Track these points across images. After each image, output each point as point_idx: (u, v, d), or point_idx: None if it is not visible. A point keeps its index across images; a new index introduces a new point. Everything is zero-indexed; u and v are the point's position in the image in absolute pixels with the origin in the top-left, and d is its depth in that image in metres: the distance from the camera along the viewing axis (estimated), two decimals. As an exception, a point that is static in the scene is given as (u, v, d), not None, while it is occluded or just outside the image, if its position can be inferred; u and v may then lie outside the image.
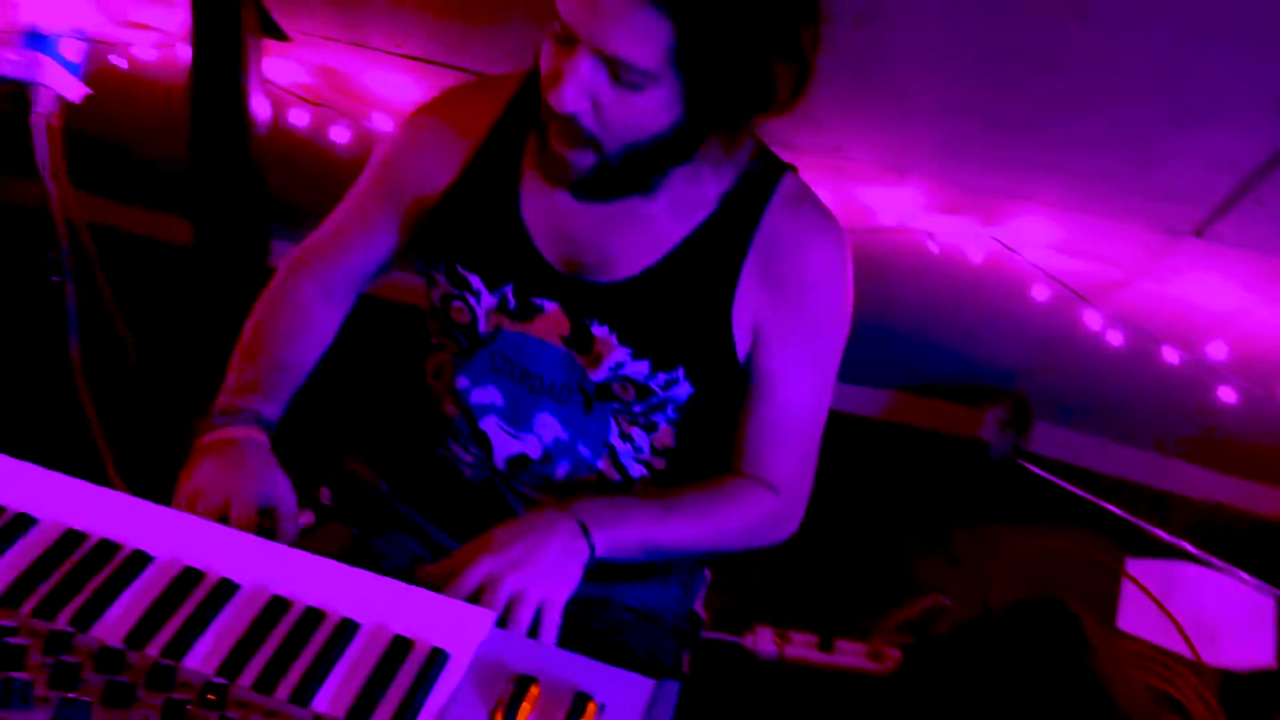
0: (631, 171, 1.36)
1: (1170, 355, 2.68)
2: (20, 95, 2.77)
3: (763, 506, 1.52)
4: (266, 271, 2.05)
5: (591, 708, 1.12)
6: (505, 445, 1.56)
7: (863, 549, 3.26)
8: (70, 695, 0.93)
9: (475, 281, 1.50)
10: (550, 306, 1.48)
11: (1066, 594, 1.86)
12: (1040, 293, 2.55)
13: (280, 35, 2.61)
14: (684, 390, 1.49)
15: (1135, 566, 3.15)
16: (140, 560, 1.19)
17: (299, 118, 2.86)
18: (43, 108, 2.77)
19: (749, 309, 1.45)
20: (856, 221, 2.53)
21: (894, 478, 3.64)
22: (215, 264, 2.91)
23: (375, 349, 1.88)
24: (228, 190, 2.79)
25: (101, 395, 3.03)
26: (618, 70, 1.25)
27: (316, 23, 2.53)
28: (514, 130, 1.50)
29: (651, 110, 1.29)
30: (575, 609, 1.56)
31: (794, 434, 1.52)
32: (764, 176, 1.45)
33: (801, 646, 2.89)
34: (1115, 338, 2.62)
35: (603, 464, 1.56)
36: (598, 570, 1.38)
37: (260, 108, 2.67)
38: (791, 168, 1.49)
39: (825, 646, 2.89)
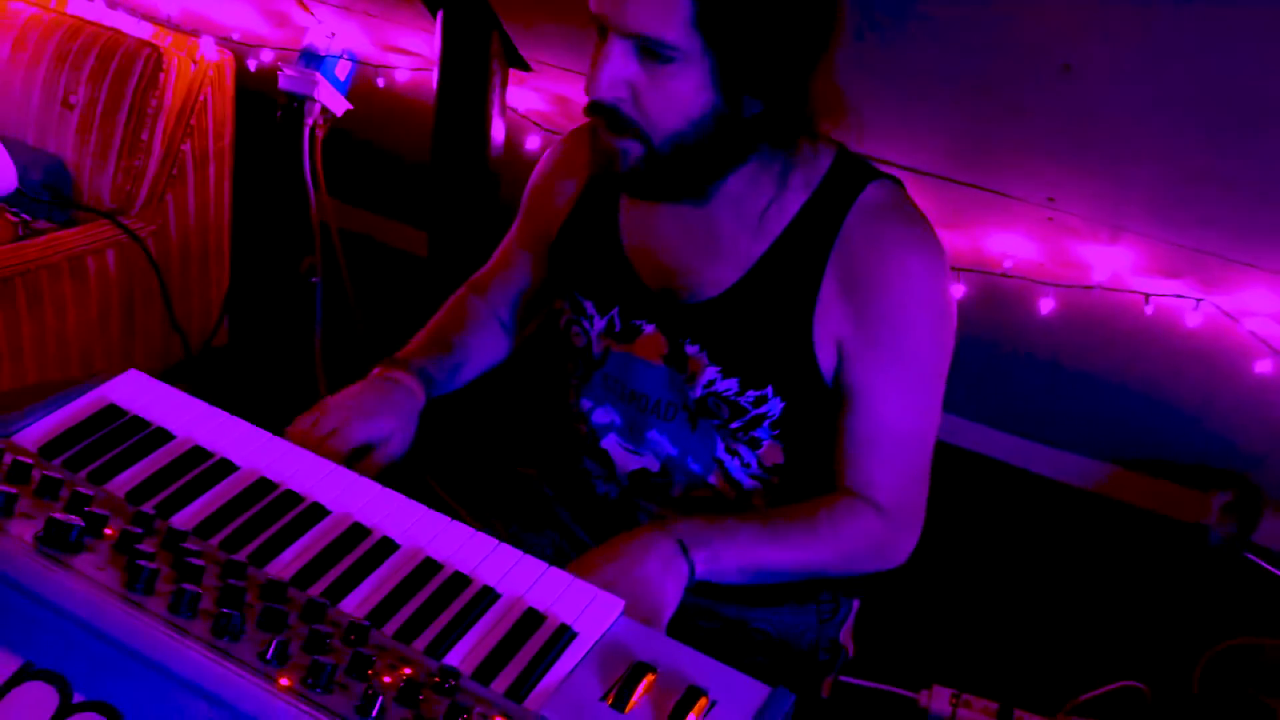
0: (682, 166, 1.37)
1: None
2: (295, 108, 3.09)
3: (868, 528, 1.48)
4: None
5: (703, 702, 1.15)
6: (626, 461, 1.63)
7: (1060, 621, 3.13)
8: (228, 610, 1.05)
9: (590, 307, 1.58)
10: (649, 328, 1.54)
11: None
12: (1263, 367, 2.39)
13: (523, 65, 2.80)
14: (775, 407, 1.49)
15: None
16: (318, 512, 1.32)
17: (533, 141, 3.04)
18: (312, 119, 3.08)
19: (830, 323, 1.43)
20: (1069, 277, 2.46)
21: (1103, 553, 3.48)
22: (447, 275, 3.14)
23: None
24: (462, 207, 3.00)
25: (337, 380, 3.32)
26: (647, 48, 1.27)
27: (554, 54, 2.69)
28: None
29: (687, 91, 1.30)
30: (709, 629, 1.61)
31: (893, 451, 1.48)
32: (844, 186, 1.43)
33: (979, 713, 2.81)
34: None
35: (714, 479, 1.58)
36: (733, 593, 1.41)
37: (498, 130, 2.86)
38: (883, 175, 1.45)
39: (1004, 716, 2.80)
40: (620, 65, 1.30)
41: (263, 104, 3.37)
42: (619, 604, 1.27)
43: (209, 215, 3.49)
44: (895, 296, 1.41)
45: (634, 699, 1.15)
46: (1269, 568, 3.34)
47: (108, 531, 1.16)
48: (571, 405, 1.70)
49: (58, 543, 1.12)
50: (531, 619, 1.23)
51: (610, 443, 1.64)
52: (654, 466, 1.61)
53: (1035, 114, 1.86)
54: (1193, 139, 1.85)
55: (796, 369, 1.46)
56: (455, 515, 1.33)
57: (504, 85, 2.79)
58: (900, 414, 1.46)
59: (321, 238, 3.19)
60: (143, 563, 1.09)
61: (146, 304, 3.34)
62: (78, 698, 1.08)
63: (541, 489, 1.83)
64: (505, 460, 1.97)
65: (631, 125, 1.34)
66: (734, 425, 1.53)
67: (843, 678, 1.76)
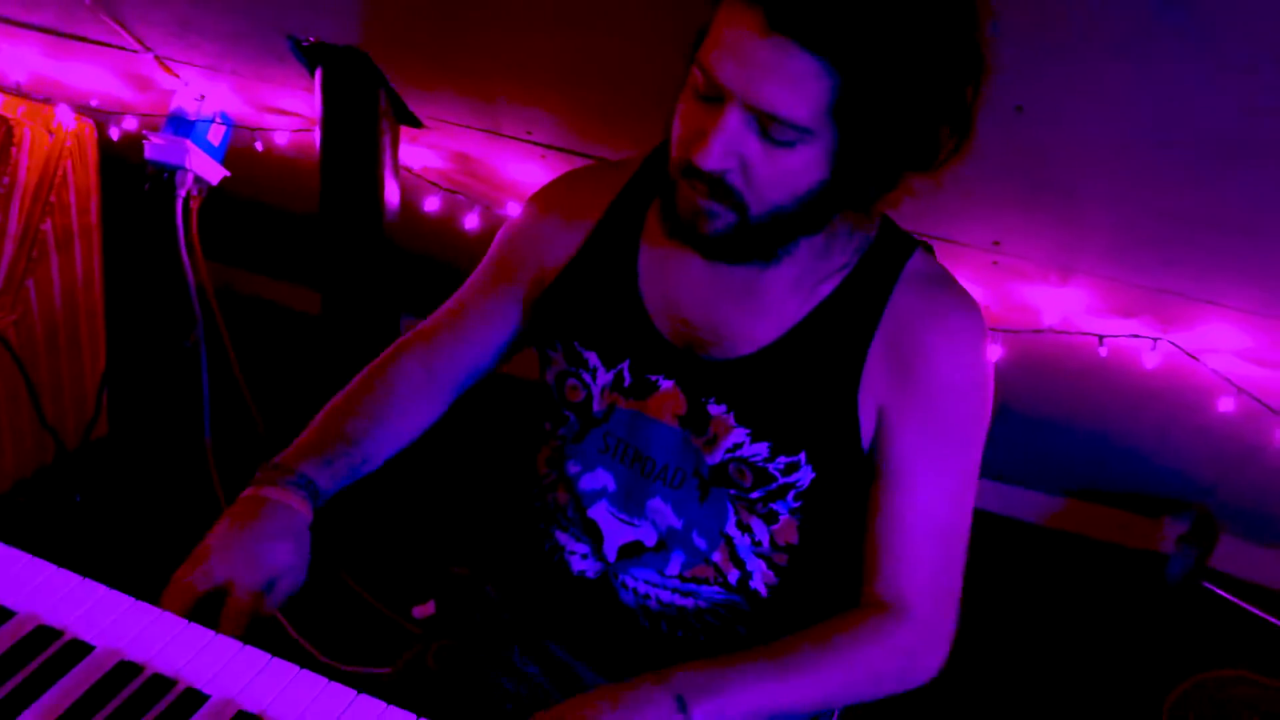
0: (769, 234, 1.26)
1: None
2: (165, 179, 2.81)
3: (895, 642, 1.33)
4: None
5: None
6: (616, 533, 1.45)
7: (1022, 662, 3.02)
8: None
9: (592, 359, 1.42)
10: (666, 384, 1.39)
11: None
12: (1226, 404, 2.28)
13: (415, 122, 2.57)
14: (806, 476, 1.35)
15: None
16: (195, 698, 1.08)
17: (431, 202, 2.81)
18: (185, 189, 2.81)
19: (875, 392, 1.33)
20: (1016, 321, 2.32)
21: (1061, 588, 3.38)
22: (341, 333, 2.88)
23: (485, 440, 1.79)
24: (356, 269, 2.76)
25: (230, 466, 3.05)
26: (769, 127, 1.15)
27: (450, 110, 2.48)
28: (633, 208, 1.44)
29: (799, 168, 1.18)
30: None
31: (928, 540, 1.34)
32: (892, 252, 1.35)
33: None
34: (1315, 457, 2.33)
35: (718, 556, 1.43)
36: None
37: (392, 191, 2.63)
38: (923, 244, 1.38)
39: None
40: (738, 137, 1.17)
41: (130, 171, 3.08)
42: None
43: (78, 297, 3.17)
44: (942, 370, 1.32)
45: None
46: (1229, 597, 3.26)
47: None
48: (546, 471, 1.53)
49: None
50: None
51: (600, 511, 1.46)
52: (650, 540, 1.44)
53: (985, 156, 1.71)
54: (1158, 179, 1.73)
55: (835, 434, 1.34)
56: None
57: (395, 143, 2.56)
58: (937, 496, 1.34)
59: (203, 310, 2.91)
60: None
61: (12, 402, 3.01)
62: None
63: (483, 591, 1.60)
64: (437, 560, 1.73)
65: (733, 192, 1.21)
66: (754, 495, 1.38)
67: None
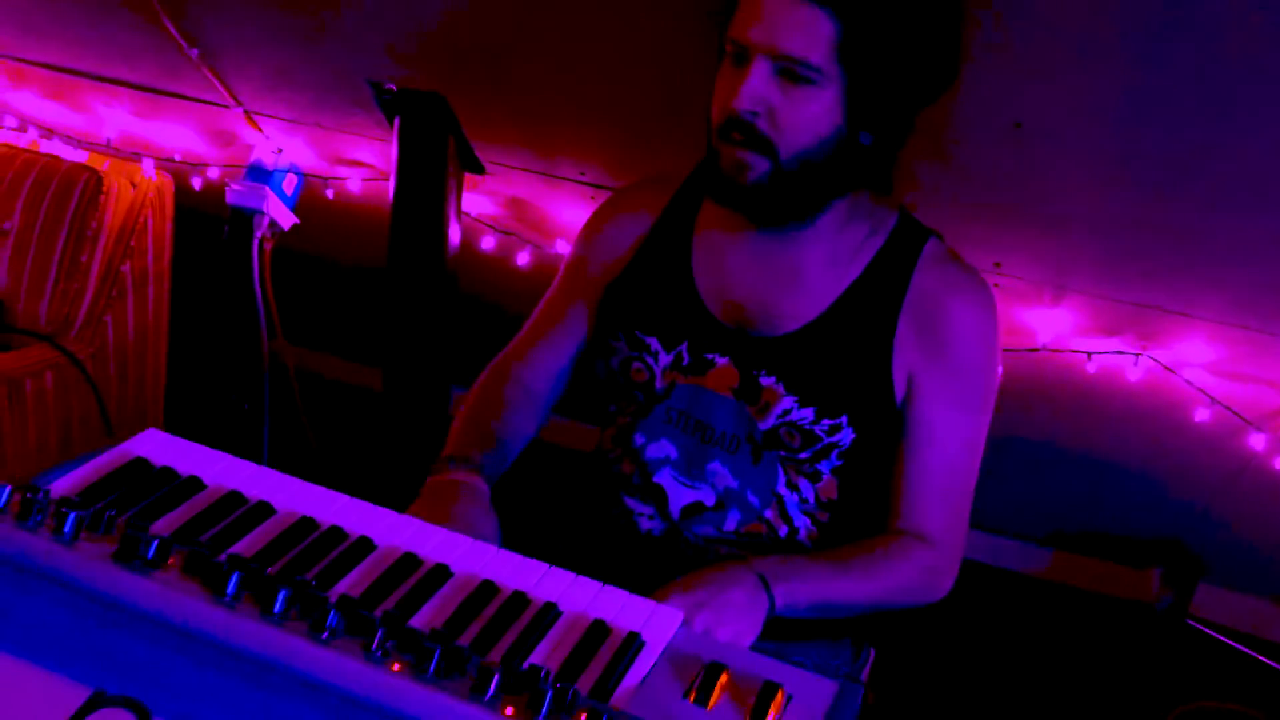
0: (800, 185, 1.50)
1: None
2: (243, 221, 3.11)
3: (923, 563, 1.59)
4: (446, 418, 2.17)
5: (780, 696, 1.17)
6: (680, 495, 1.67)
7: (1018, 711, 3.17)
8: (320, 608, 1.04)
9: (654, 343, 1.65)
10: (721, 361, 1.61)
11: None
12: (1202, 415, 2.55)
13: (478, 167, 2.88)
14: (847, 436, 1.58)
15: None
16: (367, 545, 1.31)
17: (488, 242, 3.12)
18: (260, 232, 3.11)
19: (905, 357, 1.57)
20: (1015, 342, 2.60)
21: (1051, 638, 3.54)
22: (401, 408, 3.14)
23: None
24: (421, 312, 3.03)
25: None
26: (790, 70, 1.42)
27: (509, 155, 2.79)
28: (685, 209, 1.69)
29: (818, 112, 1.44)
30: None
31: (948, 485, 1.60)
32: (910, 239, 1.60)
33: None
34: (1281, 463, 2.59)
35: (770, 513, 1.64)
36: (771, 628, 1.44)
37: (454, 234, 2.92)
38: (935, 233, 1.63)
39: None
40: (762, 84, 1.43)
41: (205, 225, 3.38)
42: (678, 614, 1.28)
43: (148, 336, 3.44)
44: (962, 339, 1.57)
45: (715, 696, 1.16)
46: (1210, 633, 3.45)
47: (170, 561, 1.14)
48: (611, 447, 1.74)
49: (134, 558, 1.09)
50: (599, 630, 1.23)
51: (664, 476, 1.67)
52: (710, 500, 1.65)
53: (987, 174, 2.00)
54: (1134, 193, 2.01)
55: (873, 398, 1.57)
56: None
57: (459, 188, 2.87)
58: (957, 448, 1.59)
59: (270, 341, 3.18)
60: (227, 568, 1.07)
61: (84, 425, 3.25)
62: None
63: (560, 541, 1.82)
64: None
65: (764, 139, 1.46)
66: (802, 455, 1.60)
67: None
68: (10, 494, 1.14)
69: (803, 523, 1.65)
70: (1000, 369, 1.65)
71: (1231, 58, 1.72)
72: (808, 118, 1.45)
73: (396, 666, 1.01)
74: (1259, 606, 3.56)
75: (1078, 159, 1.98)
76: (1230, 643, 3.44)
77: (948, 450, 1.59)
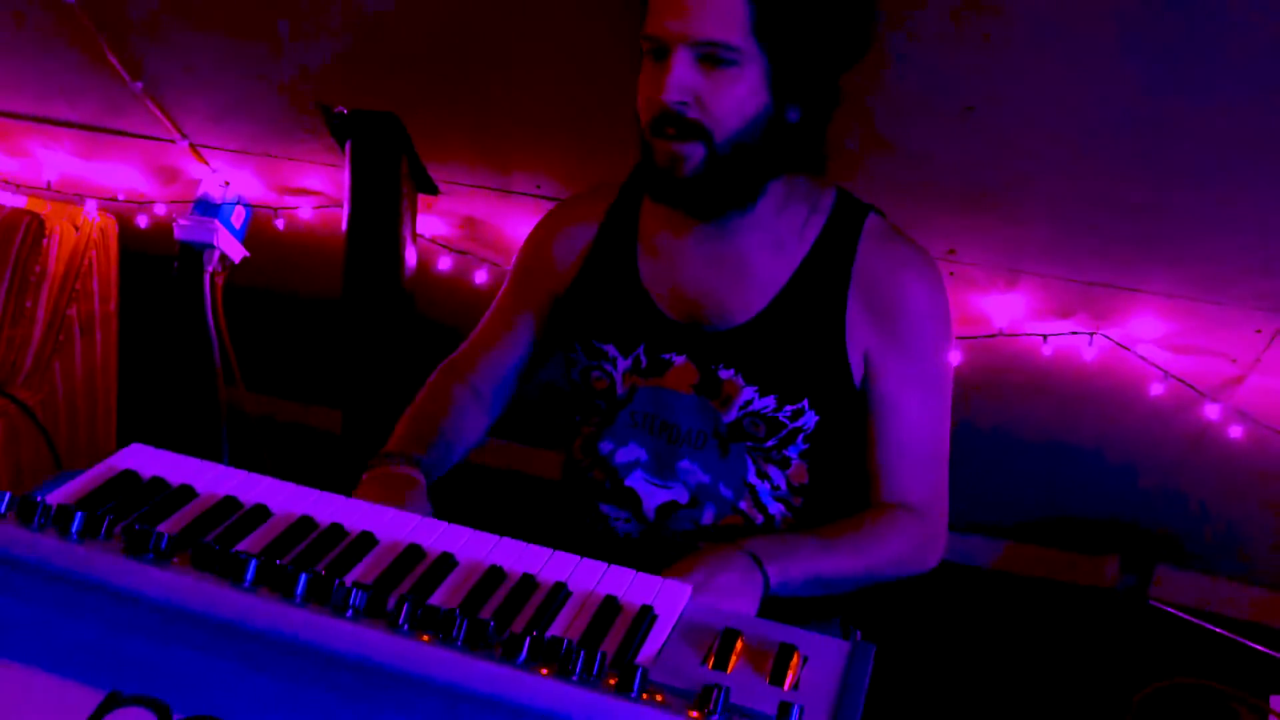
0: (736, 169, 1.51)
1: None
2: (193, 257, 3.08)
3: (912, 532, 1.61)
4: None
5: (797, 657, 1.18)
6: (653, 496, 1.68)
7: (989, 703, 3.20)
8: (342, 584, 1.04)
9: (610, 350, 1.67)
10: (679, 359, 1.63)
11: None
12: (1157, 389, 2.62)
13: (432, 188, 2.88)
14: (810, 420, 1.60)
15: (1281, 704, 3.03)
16: (369, 540, 1.31)
17: (444, 263, 3.11)
18: (211, 266, 3.08)
19: (859, 336, 1.59)
20: (972, 329, 2.65)
21: (1011, 629, 3.58)
22: (361, 447, 3.10)
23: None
24: (377, 338, 3.01)
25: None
26: (712, 55, 1.44)
27: (463, 173, 2.80)
28: (627, 212, 1.71)
29: (743, 93, 1.47)
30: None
31: (922, 455, 1.62)
32: (850, 216, 1.62)
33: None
34: (1235, 431, 2.66)
35: (745, 504, 1.66)
36: (762, 610, 1.46)
37: (410, 256, 2.92)
38: (875, 208, 1.65)
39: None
40: (686, 72, 1.45)
41: (153, 266, 3.34)
42: (687, 588, 1.29)
43: (97, 380, 3.38)
44: (911, 310, 1.59)
45: (733, 660, 1.17)
46: (1173, 612, 3.51)
47: (177, 560, 1.12)
48: (581, 457, 1.74)
49: (145, 551, 1.08)
50: (611, 606, 1.24)
51: (636, 480, 1.68)
52: (683, 497, 1.67)
53: (938, 160, 2.05)
54: (1085, 168, 2.07)
55: (831, 380, 1.59)
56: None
57: (414, 209, 2.87)
58: (924, 418, 1.61)
59: (225, 375, 3.14)
60: (244, 557, 1.06)
61: (35, 473, 3.18)
62: (178, 717, 1.03)
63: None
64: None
65: (696, 126, 1.47)
66: (768, 444, 1.62)
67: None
68: (10, 500, 1.12)
69: (777, 509, 1.67)
70: (953, 335, 1.68)
71: (1183, 34, 1.78)
72: (735, 99, 1.47)
73: (425, 638, 1.00)
74: (1218, 586, 3.64)
75: (1030, 141, 2.04)
76: (1194, 620, 3.51)
77: (917, 422, 1.61)
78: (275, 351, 3.86)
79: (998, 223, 2.30)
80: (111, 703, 1.04)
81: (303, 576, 1.05)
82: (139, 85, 2.76)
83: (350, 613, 1.03)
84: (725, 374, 1.61)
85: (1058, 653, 3.47)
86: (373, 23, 2.39)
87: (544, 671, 0.98)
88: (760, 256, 1.60)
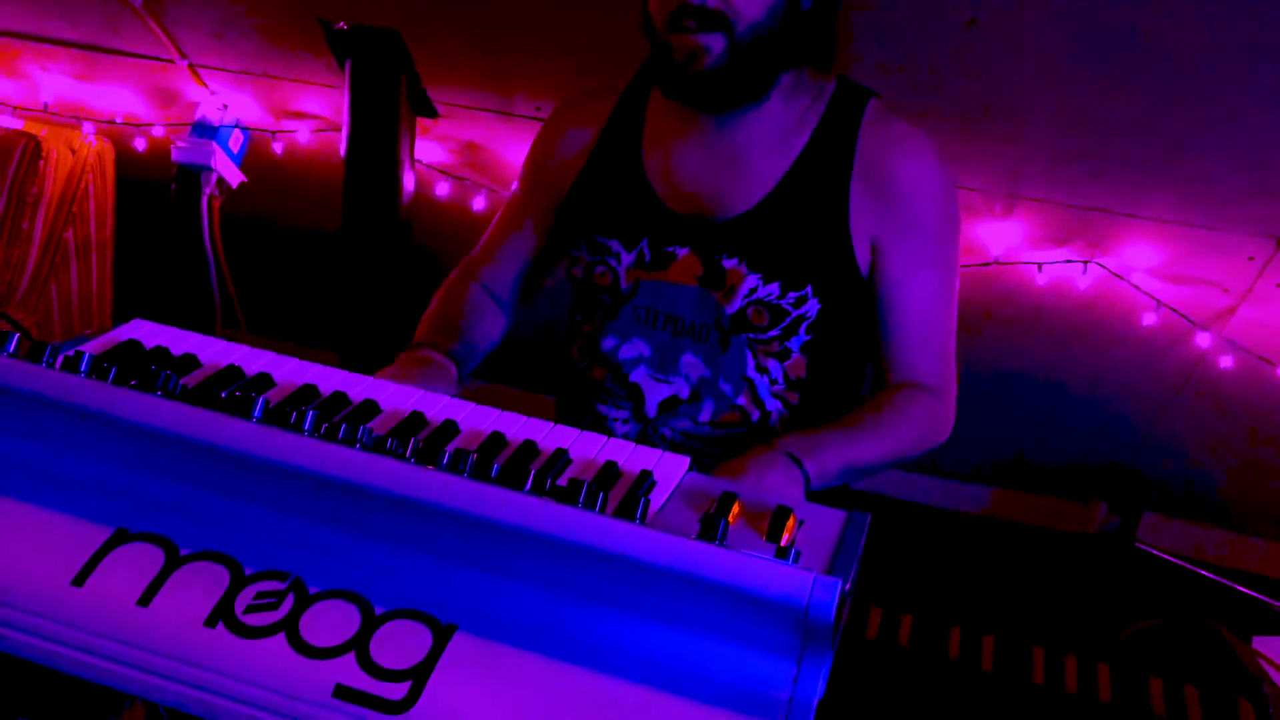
0: (755, 58, 1.52)
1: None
2: (190, 179, 3.08)
3: (928, 407, 1.63)
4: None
5: (793, 520, 1.19)
6: (655, 391, 1.69)
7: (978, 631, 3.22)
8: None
9: (614, 245, 1.67)
10: (682, 252, 1.64)
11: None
12: (1150, 319, 2.64)
13: (431, 111, 2.88)
14: (813, 307, 1.61)
15: (1264, 645, 3.07)
16: (373, 407, 1.32)
17: (442, 188, 3.12)
18: (209, 189, 3.08)
19: (863, 223, 1.59)
20: (968, 258, 2.66)
21: (998, 573, 3.61)
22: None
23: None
24: (376, 264, 3.01)
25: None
26: None
27: (463, 95, 2.80)
28: (632, 111, 1.71)
29: None
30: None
31: (931, 334, 1.63)
32: (851, 102, 1.63)
33: None
34: (1226, 361, 2.68)
35: (743, 399, 1.66)
36: None
37: (408, 179, 2.92)
38: (874, 93, 1.66)
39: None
40: None
41: (150, 193, 3.33)
42: (686, 460, 1.30)
43: (92, 303, 3.38)
44: (915, 190, 1.59)
45: (731, 518, 1.19)
46: (1158, 553, 3.55)
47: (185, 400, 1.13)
48: (581, 355, 1.76)
49: (154, 388, 1.09)
50: (611, 470, 1.25)
51: (640, 375, 1.70)
52: (684, 392, 1.68)
53: (939, 79, 2.05)
54: (1087, 84, 2.08)
55: (835, 265, 1.60)
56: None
57: (412, 133, 2.86)
58: (934, 296, 1.62)
59: (223, 302, 3.14)
60: (254, 395, 1.07)
61: (33, 396, 3.18)
62: (185, 552, 1.05)
63: None
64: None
65: (717, 16, 1.49)
66: (770, 334, 1.63)
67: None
68: (19, 340, 1.13)
69: (774, 406, 1.68)
70: (958, 214, 1.69)
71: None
72: None
73: (437, 471, 1.01)
74: (1207, 533, 3.69)
75: (1032, 52, 2.05)
76: (1178, 562, 3.55)
77: (925, 302, 1.62)
78: (272, 290, 3.87)
79: (998, 144, 2.31)
80: (118, 539, 1.06)
81: (310, 412, 1.06)
82: (139, 1, 2.75)
83: (359, 446, 1.04)
84: (729, 263, 1.61)
85: (1041, 593, 3.51)
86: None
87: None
88: (764, 147, 1.62)
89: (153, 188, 3.29)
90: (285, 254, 3.66)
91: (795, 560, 1.02)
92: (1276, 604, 3.33)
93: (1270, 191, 2.20)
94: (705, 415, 1.69)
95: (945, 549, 3.60)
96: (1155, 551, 3.53)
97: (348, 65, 2.74)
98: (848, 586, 1.10)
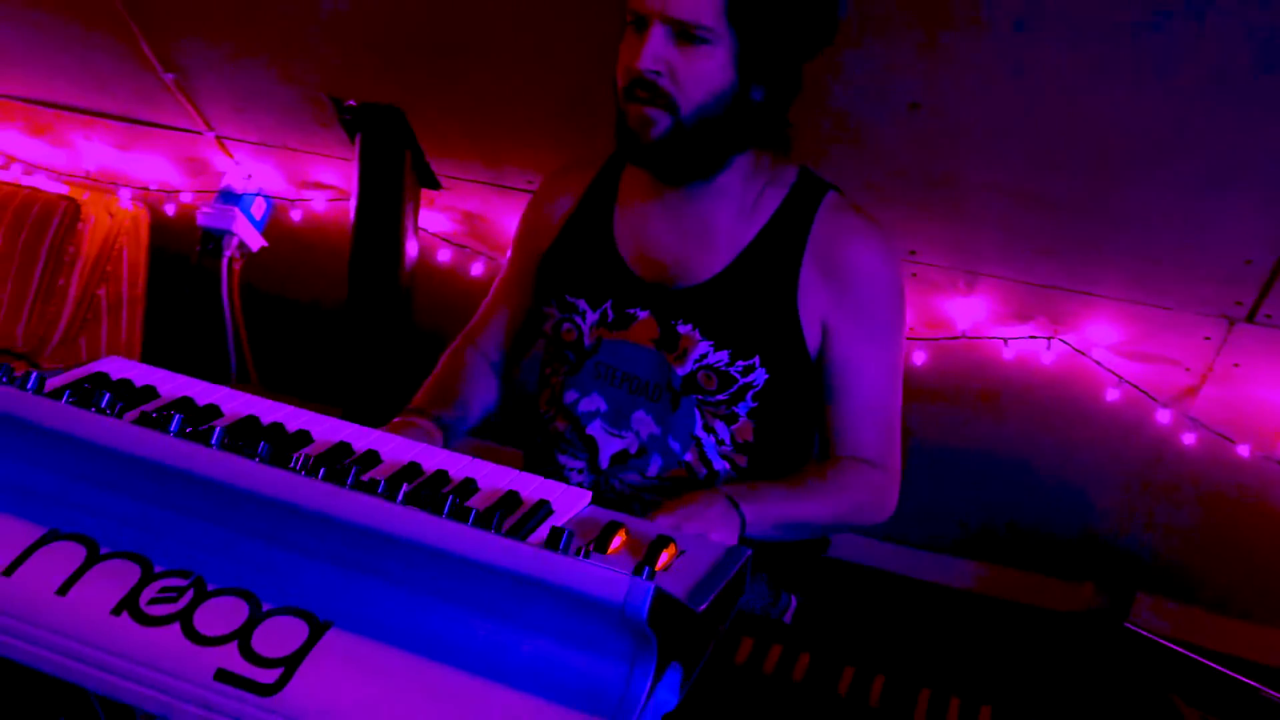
0: (699, 140, 1.66)
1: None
2: (214, 243, 3.29)
3: (872, 481, 1.75)
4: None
5: (672, 548, 1.30)
6: (609, 445, 1.82)
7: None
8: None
9: (581, 304, 1.83)
10: (642, 314, 1.78)
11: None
12: (1113, 395, 2.70)
13: (434, 183, 3.06)
14: (760, 377, 1.74)
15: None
16: (306, 437, 1.45)
17: (444, 255, 3.29)
18: (230, 252, 3.28)
19: (813, 303, 1.73)
20: (937, 332, 2.76)
21: (991, 648, 3.60)
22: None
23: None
24: (379, 327, 3.17)
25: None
26: (686, 32, 1.60)
27: (464, 169, 2.98)
28: (608, 182, 1.88)
29: (712, 70, 1.62)
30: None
31: (878, 413, 1.76)
32: (810, 192, 1.78)
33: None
34: (1189, 438, 2.73)
35: (690, 456, 1.79)
36: None
37: (412, 246, 3.09)
38: (834, 187, 1.80)
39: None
40: (661, 46, 1.61)
41: (176, 260, 3.55)
42: (587, 495, 1.42)
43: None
44: (864, 276, 1.73)
45: (612, 545, 1.29)
46: (1147, 634, 3.54)
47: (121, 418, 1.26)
48: (548, 406, 1.89)
49: (91, 405, 1.23)
50: (512, 499, 1.37)
51: (595, 428, 1.83)
52: (634, 447, 1.81)
53: (890, 155, 2.17)
54: (1023, 166, 2.19)
55: (782, 339, 1.73)
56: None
57: (417, 202, 3.04)
58: (880, 378, 1.75)
59: (237, 358, 3.32)
60: (173, 413, 1.21)
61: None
62: (104, 550, 1.18)
63: None
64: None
65: (665, 95, 1.64)
66: (719, 398, 1.76)
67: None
68: (-12, 365, 1.28)
69: (722, 466, 1.79)
70: (905, 300, 1.79)
71: (1113, 26, 1.89)
72: (703, 74, 1.62)
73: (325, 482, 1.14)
74: (1200, 616, 3.66)
75: (972, 136, 2.16)
76: (1165, 643, 3.53)
77: (872, 382, 1.75)
78: (283, 352, 4.04)
79: (952, 222, 2.42)
80: (50, 537, 1.20)
81: (218, 429, 1.19)
82: (170, 76, 2.98)
83: (259, 460, 1.16)
84: (684, 329, 1.75)
85: (1029, 674, 3.48)
86: (378, 10, 2.57)
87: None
88: (723, 223, 1.75)
89: (181, 258, 3.50)
90: (296, 323, 3.85)
91: (649, 578, 1.12)
92: (1262, 689, 3.31)
93: (1213, 275, 2.27)
94: (653, 470, 1.82)
95: (925, 619, 3.62)
96: (1143, 632, 3.52)
97: (358, 139, 2.94)
98: (703, 607, 1.21)
